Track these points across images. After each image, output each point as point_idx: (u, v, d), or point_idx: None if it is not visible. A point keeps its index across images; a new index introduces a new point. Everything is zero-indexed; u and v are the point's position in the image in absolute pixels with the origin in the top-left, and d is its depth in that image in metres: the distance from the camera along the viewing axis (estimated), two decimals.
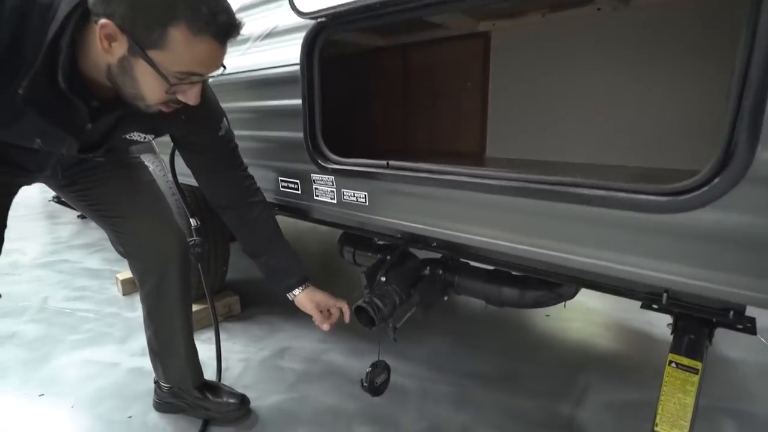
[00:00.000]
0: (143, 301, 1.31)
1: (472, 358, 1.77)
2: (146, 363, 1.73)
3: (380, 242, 1.73)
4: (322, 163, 1.10)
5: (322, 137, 1.12)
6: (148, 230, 1.20)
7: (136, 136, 1.03)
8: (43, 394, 1.55)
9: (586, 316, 2.14)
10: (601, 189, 0.70)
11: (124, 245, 1.22)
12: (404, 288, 1.37)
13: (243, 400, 1.43)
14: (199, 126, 1.08)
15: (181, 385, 1.41)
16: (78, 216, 4.30)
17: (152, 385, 1.50)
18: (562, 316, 2.13)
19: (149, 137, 1.06)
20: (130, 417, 1.44)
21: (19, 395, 1.55)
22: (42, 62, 0.74)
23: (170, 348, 1.36)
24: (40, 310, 2.23)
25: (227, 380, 1.63)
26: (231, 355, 1.80)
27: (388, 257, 1.46)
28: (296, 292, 1.21)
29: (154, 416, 1.45)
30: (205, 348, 1.82)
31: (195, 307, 2.02)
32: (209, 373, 1.65)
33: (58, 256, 3.12)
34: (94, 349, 1.86)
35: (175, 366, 1.39)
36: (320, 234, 3.59)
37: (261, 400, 1.52)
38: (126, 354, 1.81)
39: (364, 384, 1.27)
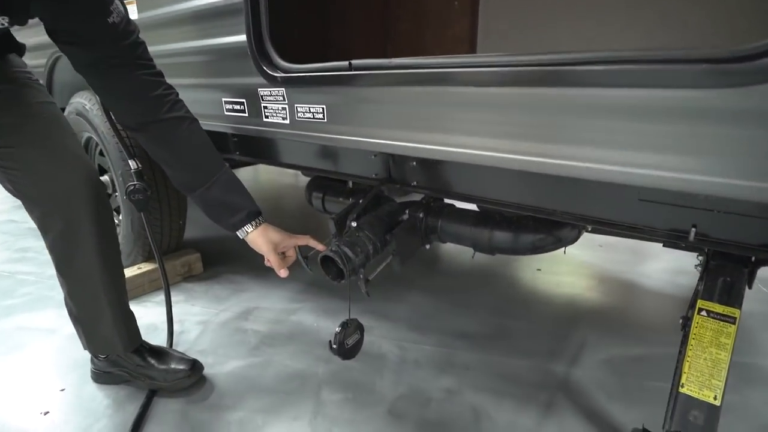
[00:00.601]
0: (50, 253, 1.07)
1: (457, 316, 1.61)
2: None
3: (352, 186, 1.51)
4: (270, 72, 0.86)
5: (270, 39, 0.87)
6: (43, 163, 0.94)
7: None
8: None
9: (579, 270, 1.99)
10: (634, 62, 0.49)
11: (14, 182, 0.96)
12: (379, 235, 1.17)
13: (194, 366, 1.24)
14: (72, 6, 0.81)
15: (107, 353, 1.21)
16: None
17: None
18: (554, 270, 1.97)
19: (3, 20, 0.79)
20: (62, 390, 1.24)
21: None
22: None
23: (91, 311, 1.14)
24: None
25: (181, 345, 1.44)
26: (188, 317, 1.60)
27: (360, 201, 1.25)
28: (248, 228, 1.00)
29: (91, 388, 1.25)
30: (158, 311, 1.63)
31: (148, 266, 1.80)
32: (160, 339, 1.45)
33: (4, 216, 2.83)
34: (29, 315, 1.64)
35: (98, 332, 1.17)
36: (300, 191, 3.35)
37: (218, 366, 1.33)
38: (66, 319, 1.58)
39: (333, 346, 1.09)
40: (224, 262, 2.05)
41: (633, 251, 2.16)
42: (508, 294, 1.78)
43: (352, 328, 1.14)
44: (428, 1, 1.64)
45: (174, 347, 1.41)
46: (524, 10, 1.42)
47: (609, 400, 1.20)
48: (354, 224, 1.17)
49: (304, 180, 1.68)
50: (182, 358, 1.26)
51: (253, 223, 1.00)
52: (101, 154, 1.96)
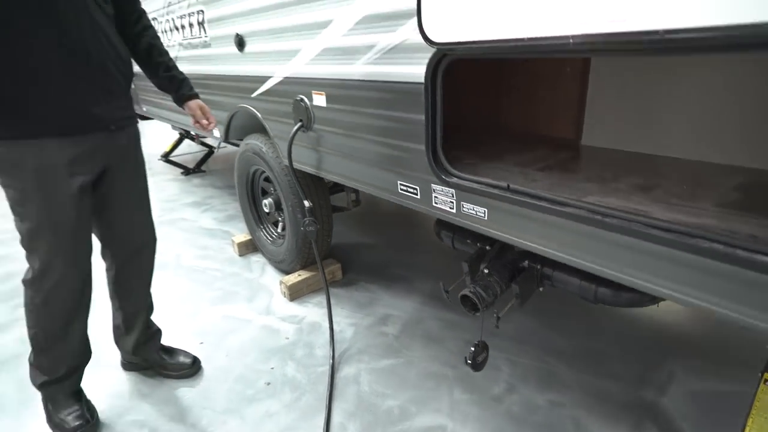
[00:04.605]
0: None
1: (557, 336, 1.91)
2: (272, 321, 2.08)
3: None
4: (444, 177, 1.24)
5: (442, 152, 1.25)
6: None
7: None
8: (203, 342, 1.94)
9: (673, 304, 2.16)
10: (725, 244, 0.79)
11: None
12: (504, 279, 1.53)
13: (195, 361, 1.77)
14: None
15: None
16: (182, 173, 4.77)
17: (282, 342, 1.83)
18: None
19: None
20: (272, 368, 1.78)
21: (184, 342, 1.90)
22: None
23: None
24: (177, 266, 2.66)
25: (342, 343, 1.91)
26: (341, 319, 2.08)
27: (487, 248, 1.62)
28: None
29: (291, 369, 1.77)
30: (316, 312, 2.13)
31: (306, 274, 2.32)
32: (325, 337, 1.93)
33: (177, 214, 3.56)
34: (228, 306, 2.23)
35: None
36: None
37: (374, 362, 1.79)
38: (254, 312, 2.17)
39: (468, 361, 1.48)
40: (357, 270, 2.52)
41: None
42: (603, 321, 2.04)
43: (481, 347, 1.52)
44: (541, 63, 1.92)
45: (336, 344, 1.90)
46: (631, 82, 1.66)
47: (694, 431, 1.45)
48: (485, 270, 1.54)
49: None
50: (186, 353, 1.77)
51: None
52: (266, 180, 2.52)
